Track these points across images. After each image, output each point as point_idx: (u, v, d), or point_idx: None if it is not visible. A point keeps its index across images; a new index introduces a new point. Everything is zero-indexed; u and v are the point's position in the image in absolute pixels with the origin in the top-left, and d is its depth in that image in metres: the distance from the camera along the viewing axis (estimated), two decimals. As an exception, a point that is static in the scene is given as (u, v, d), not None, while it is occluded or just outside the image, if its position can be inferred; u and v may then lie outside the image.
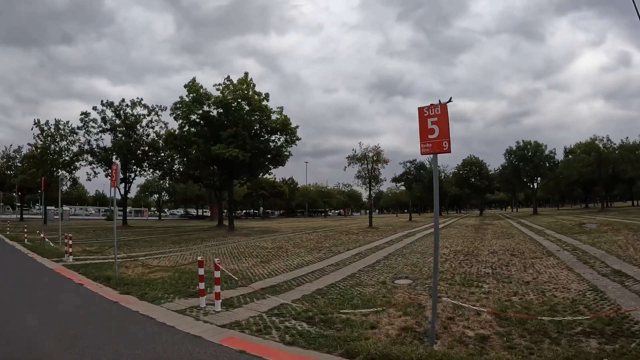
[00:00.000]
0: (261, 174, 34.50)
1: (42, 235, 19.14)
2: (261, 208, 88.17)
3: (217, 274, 7.01)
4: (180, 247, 18.32)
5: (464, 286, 8.85)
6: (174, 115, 27.95)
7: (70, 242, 13.95)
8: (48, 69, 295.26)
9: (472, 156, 69.56)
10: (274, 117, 27.81)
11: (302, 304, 7.34)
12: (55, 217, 53.28)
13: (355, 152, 36.84)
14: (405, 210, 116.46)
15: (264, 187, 72.29)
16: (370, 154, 35.90)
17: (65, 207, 63.10)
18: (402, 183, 56.82)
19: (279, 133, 28.02)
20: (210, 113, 27.58)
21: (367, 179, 36.71)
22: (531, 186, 59.49)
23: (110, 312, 6.99)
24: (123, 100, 36.12)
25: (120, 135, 35.61)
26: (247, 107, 26.52)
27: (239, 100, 26.39)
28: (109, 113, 35.86)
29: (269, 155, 28.40)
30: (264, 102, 27.10)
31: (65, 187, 48.87)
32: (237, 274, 10.65)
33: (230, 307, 7.12)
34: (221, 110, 27.04)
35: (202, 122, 27.69)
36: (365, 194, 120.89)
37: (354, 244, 19.02)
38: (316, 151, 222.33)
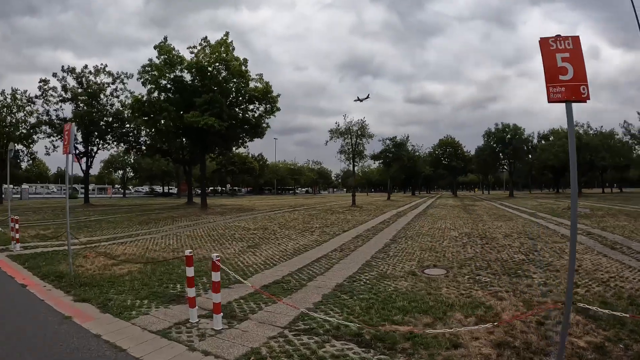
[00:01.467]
0: (236, 147, 31.32)
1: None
2: (228, 185, 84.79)
3: (216, 277, 4.73)
4: (149, 229, 15.82)
5: (510, 276, 7.47)
6: (142, 79, 24.72)
7: (17, 225, 10.93)
8: (11, 42, 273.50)
9: (448, 137, 69.22)
10: (252, 84, 25.07)
11: (330, 309, 5.38)
12: (16, 196, 48.61)
13: (338, 125, 34.80)
14: (373, 190, 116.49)
15: (234, 163, 69.20)
16: (355, 128, 33.96)
17: (25, 185, 58.06)
18: (381, 161, 55.51)
19: (257, 102, 25.26)
20: (183, 78, 24.51)
21: (351, 154, 34.77)
22: (507, 169, 59.53)
23: (56, 340, 4.40)
24: (86, 66, 32.16)
25: (82, 105, 31.72)
26: (224, 72, 23.65)
27: (216, 64, 23.50)
28: (71, 81, 31.93)
29: (246, 126, 25.67)
30: (244, 68, 24.26)
31: (24, 164, 44.34)
32: (225, 264, 8.54)
33: (233, 319, 5.01)
34: (195, 75, 24.04)
35: (173, 87, 24.58)
36: (334, 172, 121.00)
37: (347, 225, 17.21)
38: (285, 129, 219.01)
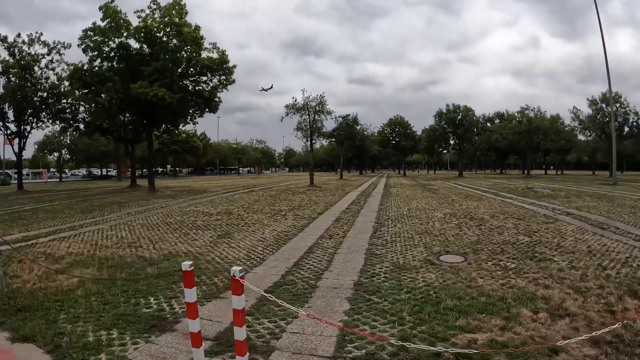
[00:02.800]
0: (183, 124, 28.12)
1: None
2: (169, 166, 79.94)
3: (239, 302, 2.82)
4: (93, 218, 13.37)
5: (533, 260, 6.85)
6: (84, 45, 21.22)
7: None
8: None
9: (398, 116, 69.65)
10: (205, 54, 22.46)
11: (371, 320, 4.18)
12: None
13: (295, 100, 33.05)
14: (316, 169, 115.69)
15: (176, 142, 65.03)
16: (313, 104, 32.42)
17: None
18: (333, 139, 54.60)
19: (210, 73, 22.79)
20: (129, 45, 21.45)
21: (308, 131, 33.29)
22: (457, 149, 61.01)
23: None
24: (19, 35, 27.18)
25: (13, 78, 27.26)
26: (175, 40, 20.98)
27: (167, 29, 20.72)
28: (2, 52, 27.13)
29: (199, 99, 23.13)
30: (199, 33, 21.66)
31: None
32: (200, 261, 7.05)
33: (255, 353, 3.51)
34: (143, 42, 21.13)
35: (118, 56, 21.42)
36: (278, 152, 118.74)
37: (317, 207, 15.97)
38: (226, 107, 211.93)
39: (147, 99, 19.24)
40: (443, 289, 5.17)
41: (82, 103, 28.31)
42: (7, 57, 27.69)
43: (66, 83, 27.34)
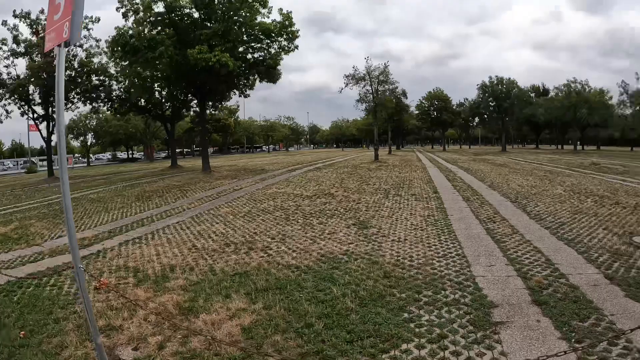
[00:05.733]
0: (239, 94, 24.69)
1: None
2: (194, 145, 77.63)
3: None
4: (158, 207, 11.16)
5: None
6: (124, 9, 19.03)
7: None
8: None
9: (437, 89, 66.51)
10: (264, 19, 19.69)
11: None
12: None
13: (356, 70, 30.12)
14: (335, 146, 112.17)
15: (208, 121, 62.93)
16: (376, 73, 29.60)
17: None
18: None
19: (269, 39, 20.08)
20: (180, 5, 19.14)
21: (373, 104, 30.62)
22: (499, 123, 57.64)
23: None
24: (42, 11, 25.13)
25: (37, 58, 25.27)
26: (234, 1, 18.47)
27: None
28: (24, 29, 24.86)
29: (262, 67, 20.51)
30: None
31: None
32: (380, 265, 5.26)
33: None
34: (195, 3, 18.67)
35: (166, 19, 19.20)
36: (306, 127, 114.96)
37: (424, 185, 13.97)
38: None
39: (205, 67, 17.00)
40: None
41: (119, 78, 26.29)
42: (30, 36, 25.85)
43: (95, 60, 25.25)
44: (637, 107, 48.14)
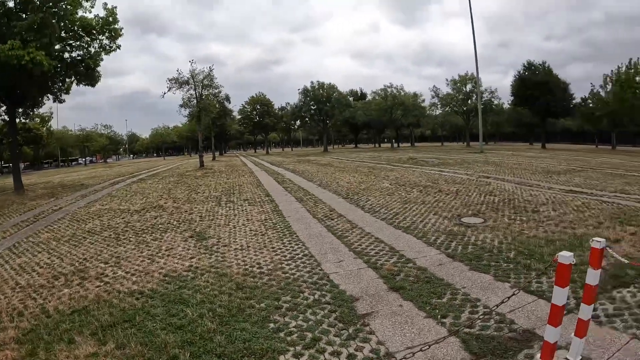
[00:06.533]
0: (54, 99, 19.61)
1: None
2: (1, 162, 61.91)
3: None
4: None
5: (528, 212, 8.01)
6: None
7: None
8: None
9: (260, 94, 68.63)
10: (81, 13, 16.71)
11: None
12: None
13: (180, 73, 28.92)
14: (156, 155, 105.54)
15: (19, 131, 50.16)
16: (201, 77, 28.88)
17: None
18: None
19: (89, 37, 17.15)
20: None
21: (197, 109, 29.48)
22: (321, 126, 62.93)
23: None
24: None
25: None
26: None
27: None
28: None
29: (79, 68, 17.42)
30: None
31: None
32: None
33: None
34: None
35: None
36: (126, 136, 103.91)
37: (249, 188, 14.78)
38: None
39: (15, 66, 13.55)
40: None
41: None
42: None
43: None
44: (447, 108, 60.18)
